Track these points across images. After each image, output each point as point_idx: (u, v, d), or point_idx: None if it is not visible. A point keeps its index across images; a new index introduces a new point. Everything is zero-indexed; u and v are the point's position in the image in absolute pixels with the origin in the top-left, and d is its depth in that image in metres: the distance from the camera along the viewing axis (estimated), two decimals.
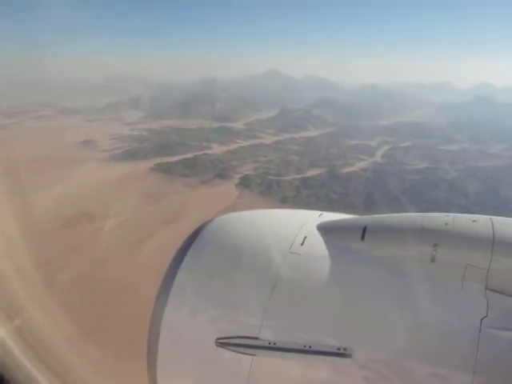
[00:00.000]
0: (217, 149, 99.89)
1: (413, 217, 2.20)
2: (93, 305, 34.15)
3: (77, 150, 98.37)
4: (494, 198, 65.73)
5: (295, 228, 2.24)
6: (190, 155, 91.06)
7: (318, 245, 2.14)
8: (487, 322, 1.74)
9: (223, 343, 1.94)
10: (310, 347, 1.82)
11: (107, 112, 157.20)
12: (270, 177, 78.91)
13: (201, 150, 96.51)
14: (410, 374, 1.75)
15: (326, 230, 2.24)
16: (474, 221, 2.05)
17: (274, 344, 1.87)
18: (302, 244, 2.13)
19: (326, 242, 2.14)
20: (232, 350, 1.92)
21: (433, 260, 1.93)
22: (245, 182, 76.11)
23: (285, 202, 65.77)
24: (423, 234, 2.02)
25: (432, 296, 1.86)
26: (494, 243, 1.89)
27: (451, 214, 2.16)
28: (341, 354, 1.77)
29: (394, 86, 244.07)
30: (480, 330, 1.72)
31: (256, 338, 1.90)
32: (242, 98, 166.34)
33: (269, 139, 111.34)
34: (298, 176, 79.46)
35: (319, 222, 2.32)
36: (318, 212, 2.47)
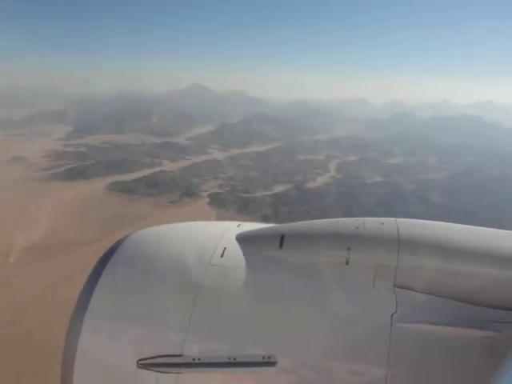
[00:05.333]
0: (169, 165, 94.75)
1: (327, 223, 2.23)
2: None
3: (9, 168, 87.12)
4: (458, 207, 70.09)
5: (214, 240, 2.21)
6: (144, 173, 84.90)
7: (237, 255, 2.11)
8: (397, 317, 1.82)
9: (145, 364, 1.83)
10: (234, 359, 1.81)
11: (26, 126, 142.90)
12: (241, 194, 76.33)
13: (153, 167, 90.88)
14: (330, 373, 1.79)
15: (244, 240, 2.21)
16: (382, 223, 2.13)
17: (199, 360, 1.83)
18: (221, 255, 2.09)
19: (245, 252, 2.12)
20: (156, 371, 1.83)
21: (347, 262, 1.98)
22: (216, 201, 72.71)
23: (267, 219, 63.50)
24: (337, 238, 2.08)
25: (347, 297, 1.92)
26: (399, 243, 1.98)
27: (361, 219, 2.21)
28: (266, 362, 1.79)
29: (317, 103, 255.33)
30: (391, 325, 1.80)
31: (180, 356, 1.82)
32: (174, 111, 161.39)
33: (219, 155, 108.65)
34: (268, 193, 77.94)
35: (238, 232, 2.29)
36: (237, 222, 2.42)
